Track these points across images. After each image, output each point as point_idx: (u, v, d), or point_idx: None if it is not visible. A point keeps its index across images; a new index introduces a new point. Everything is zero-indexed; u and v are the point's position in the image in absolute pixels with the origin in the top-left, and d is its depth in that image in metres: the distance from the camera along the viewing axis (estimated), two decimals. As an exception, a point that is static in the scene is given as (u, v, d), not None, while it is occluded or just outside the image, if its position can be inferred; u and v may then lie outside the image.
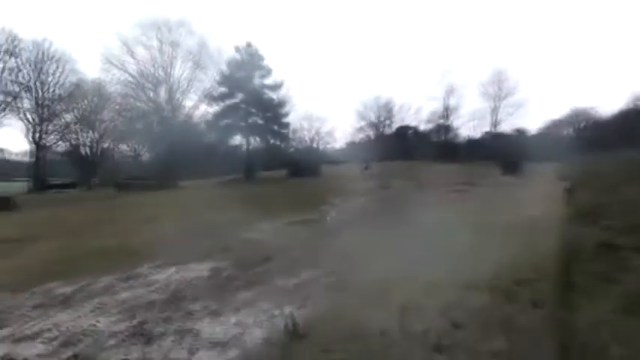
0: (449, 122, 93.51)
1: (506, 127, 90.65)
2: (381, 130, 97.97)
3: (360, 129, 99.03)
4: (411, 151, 78.45)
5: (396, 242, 16.95)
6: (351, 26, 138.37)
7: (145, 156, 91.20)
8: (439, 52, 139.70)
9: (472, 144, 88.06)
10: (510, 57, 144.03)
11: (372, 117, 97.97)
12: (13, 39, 75.46)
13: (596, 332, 6.21)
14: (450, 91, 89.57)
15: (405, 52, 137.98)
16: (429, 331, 8.62)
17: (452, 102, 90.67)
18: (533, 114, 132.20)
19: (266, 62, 74.55)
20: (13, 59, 76.48)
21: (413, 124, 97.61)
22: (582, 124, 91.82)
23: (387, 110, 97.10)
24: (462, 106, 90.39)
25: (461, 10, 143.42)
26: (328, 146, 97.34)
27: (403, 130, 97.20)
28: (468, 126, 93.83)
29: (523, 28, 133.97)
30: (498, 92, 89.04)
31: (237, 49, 74.37)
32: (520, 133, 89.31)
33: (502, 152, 58.67)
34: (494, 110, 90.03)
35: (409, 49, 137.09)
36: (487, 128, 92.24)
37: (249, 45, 74.08)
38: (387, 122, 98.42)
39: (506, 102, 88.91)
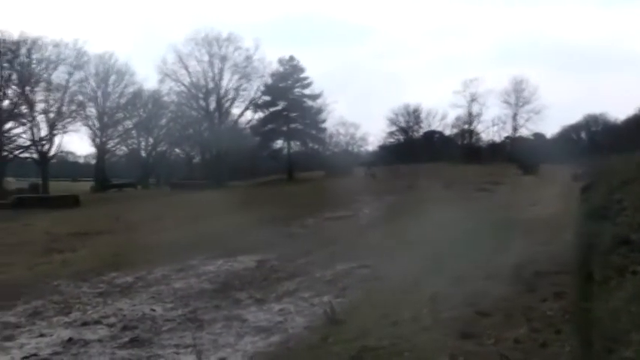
0: (472, 127, 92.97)
1: (525, 131, 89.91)
2: (410, 134, 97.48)
3: (391, 134, 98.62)
4: (437, 154, 77.81)
5: (424, 236, 16.81)
6: (384, 38, 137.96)
7: (196, 159, 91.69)
8: (462, 61, 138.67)
9: (494, 147, 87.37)
10: (529, 65, 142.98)
11: (402, 123, 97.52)
12: (81, 54, 76.58)
13: (617, 320, 6.05)
14: (473, 99, 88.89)
15: (430, 61, 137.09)
16: (457, 318, 8.50)
17: (475, 109, 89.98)
18: (550, 119, 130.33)
19: (306, 74, 74.84)
20: (80, 72, 77.67)
21: (439, 129, 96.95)
22: (595, 129, 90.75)
23: (415, 117, 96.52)
24: (484, 112, 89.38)
25: (481, 21, 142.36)
26: (362, 149, 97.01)
27: (430, 135, 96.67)
28: (490, 131, 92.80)
29: (542, 37, 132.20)
30: (517, 100, 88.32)
31: (281, 62, 75.05)
32: (538, 137, 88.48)
33: (522, 155, 58.03)
34: (514, 116, 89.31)
35: (435, 58, 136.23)
36: (508, 133, 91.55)
37: (291, 58, 74.73)
38: (416, 127, 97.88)
39: (525, 109, 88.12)
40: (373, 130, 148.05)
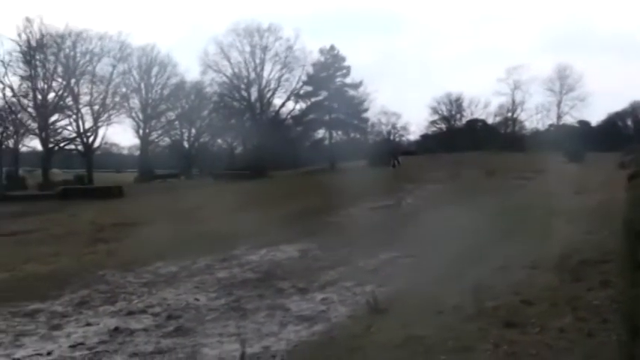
0: (515, 115, 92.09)
1: (569, 119, 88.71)
2: (452, 123, 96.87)
3: (433, 122, 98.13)
4: (480, 143, 77.12)
5: (467, 225, 16.67)
6: (425, 27, 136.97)
7: (239, 149, 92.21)
8: (505, 49, 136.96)
9: (538, 135, 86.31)
10: (573, 52, 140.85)
11: (444, 111, 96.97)
12: (124, 46, 77.46)
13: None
14: (516, 87, 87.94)
15: (473, 49, 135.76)
16: (500, 307, 8.44)
17: (518, 96, 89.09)
18: (595, 107, 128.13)
19: (347, 63, 74.75)
20: (124, 64, 78.62)
21: (482, 117, 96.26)
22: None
23: (458, 105, 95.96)
24: (528, 100, 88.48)
25: (524, 7, 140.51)
26: (403, 138, 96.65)
27: (473, 123, 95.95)
28: (534, 119, 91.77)
29: (587, 23, 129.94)
30: (562, 87, 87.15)
31: (322, 52, 75.19)
32: (583, 124, 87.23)
33: (566, 143, 57.13)
34: (558, 104, 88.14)
35: (477, 46, 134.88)
36: (552, 121, 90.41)
37: (332, 48, 74.78)
38: (458, 116, 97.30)
39: (569, 96, 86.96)
40: (415, 119, 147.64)
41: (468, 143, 77.54)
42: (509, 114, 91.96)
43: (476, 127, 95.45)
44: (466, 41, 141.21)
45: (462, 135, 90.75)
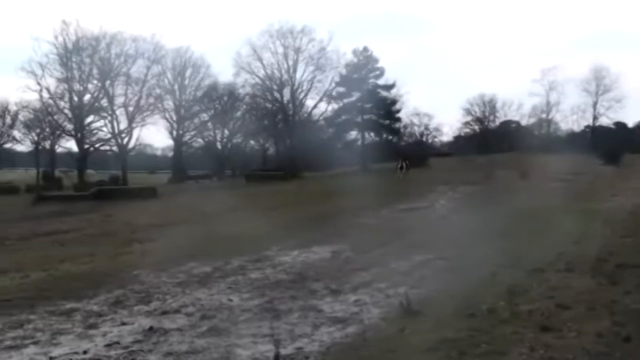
0: (550, 116, 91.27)
1: (606, 120, 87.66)
2: (485, 124, 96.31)
3: (466, 124, 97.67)
4: (514, 144, 76.54)
5: (501, 227, 16.56)
6: (456, 28, 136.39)
7: (271, 150, 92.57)
8: (540, 50, 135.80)
9: (573, 137, 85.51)
10: (609, 52, 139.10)
11: (477, 112, 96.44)
12: (158, 48, 78.17)
13: None
14: (551, 88, 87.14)
15: (506, 50, 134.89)
16: (535, 311, 8.37)
17: (553, 97, 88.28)
18: (632, 108, 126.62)
19: (380, 64, 74.69)
20: (158, 66, 79.36)
21: (515, 118, 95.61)
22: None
23: (491, 106, 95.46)
24: (563, 101, 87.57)
25: (558, 8, 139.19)
26: (436, 140, 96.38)
27: (506, 125, 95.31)
28: (569, 120, 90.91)
29: (623, 23, 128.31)
30: (598, 88, 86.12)
31: (354, 53, 75.17)
32: (620, 126, 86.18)
33: (602, 144, 56.50)
34: (594, 105, 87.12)
35: (511, 47, 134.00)
36: (587, 122, 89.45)
37: (365, 49, 74.78)
38: (491, 117, 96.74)
39: (605, 97, 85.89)
40: (448, 120, 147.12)
41: (502, 145, 77.08)
42: (544, 115, 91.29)
43: (510, 128, 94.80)
44: (500, 42, 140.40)
45: (496, 136, 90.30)
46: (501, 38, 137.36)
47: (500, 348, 6.97)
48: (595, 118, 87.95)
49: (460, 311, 8.75)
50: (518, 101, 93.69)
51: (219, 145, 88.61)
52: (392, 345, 7.59)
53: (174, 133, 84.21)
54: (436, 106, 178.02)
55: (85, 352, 7.93)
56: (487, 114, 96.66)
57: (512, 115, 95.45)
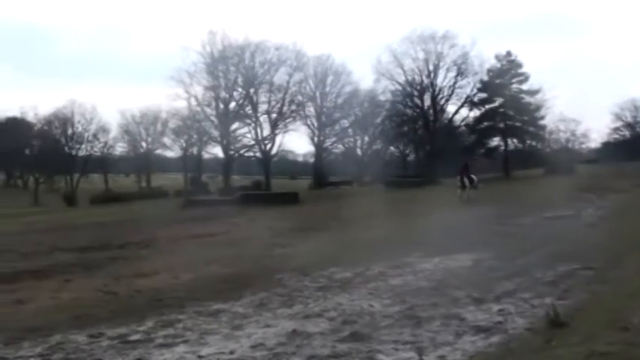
0: None
1: None
2: (637, 130, 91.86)
3: (616, 130, 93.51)
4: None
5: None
6: (608, 30, 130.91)
7: (411, 156, 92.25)
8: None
9: None
10: None
11: (628, 117, 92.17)
12: (300, 56, 79.79)
13: None
14: None
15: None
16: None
17: None
18: None
19: (524, 69, 73.02)
20: (300, 73, 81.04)
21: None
22: None
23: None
24: None
25: None
26: (583, 146, 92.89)
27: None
28: None
29: None
30: None
31: (497, 58, 73.83)
32: None
33: None
34: None
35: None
36: None
37: (508, 54, 73.35)
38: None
39: None
40: (596, 126, 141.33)
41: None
42: None
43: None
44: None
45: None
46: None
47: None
48: None
49: (610, 324, 8.37)
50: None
51: (359, 152, 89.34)
52: (538, 356, 7.37)
53: (316, 139, 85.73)
54: (584, 112, 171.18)
55: (231, 353, 8.17)
56: (639, 119, 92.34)
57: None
